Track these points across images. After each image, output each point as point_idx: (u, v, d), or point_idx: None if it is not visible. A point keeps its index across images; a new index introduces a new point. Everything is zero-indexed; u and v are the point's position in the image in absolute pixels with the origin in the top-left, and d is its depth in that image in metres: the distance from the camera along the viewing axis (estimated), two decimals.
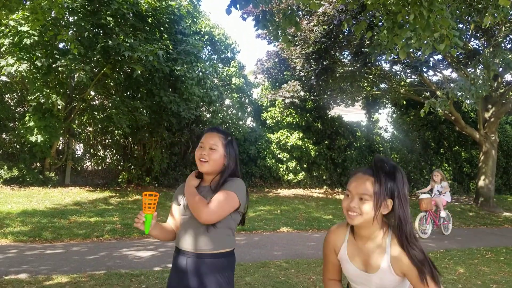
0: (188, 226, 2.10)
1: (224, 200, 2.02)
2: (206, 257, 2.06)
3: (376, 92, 16.09)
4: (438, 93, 9.78)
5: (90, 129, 13.48)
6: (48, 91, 10.21)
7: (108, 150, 14.06)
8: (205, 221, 1.99)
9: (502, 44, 11.67)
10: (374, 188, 1.69)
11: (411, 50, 11.10)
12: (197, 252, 2.06)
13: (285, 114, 15.57)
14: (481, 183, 13.90)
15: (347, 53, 14.21)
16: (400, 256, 1.73)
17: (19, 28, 9.54)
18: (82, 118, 12.99)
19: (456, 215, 12.05)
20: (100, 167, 13.80)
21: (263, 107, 16.30)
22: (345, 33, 12.22)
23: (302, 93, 14.26)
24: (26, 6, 7.62)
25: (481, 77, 9.86)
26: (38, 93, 10.06)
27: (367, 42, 11.18)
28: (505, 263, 6.74)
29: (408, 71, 13.90)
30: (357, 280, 1.86)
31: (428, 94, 14.64)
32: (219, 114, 13.69)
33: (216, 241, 2.08)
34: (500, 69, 11.63)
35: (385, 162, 1.75)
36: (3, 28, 9.76)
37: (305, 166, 15.73)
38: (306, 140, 15.54)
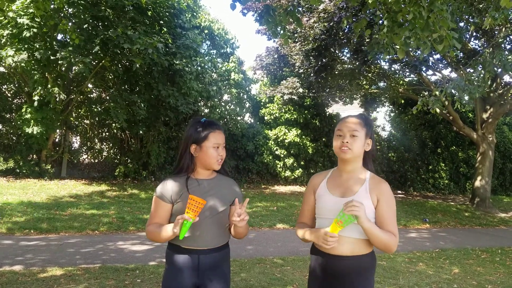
0: (199, 223, 2.05)
1: None
2: (212, 252, 2.11)
3: (375, 91, 16.07)
4: (436, 92, 9.77)
5: (87, 122, 13.45)
6: (49, 86, 10.16)
7: (105, 143, 14.04)
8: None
9: (502, 45, 11.66)
10: (363, 128, 2.11)
11: (410, 49, 11.09)
12: (203, 248, 2.09)
13: (283, 110, 15.55)
14: (477, 183, 13.92)
15: (346, 50, 14.18)
16: (379, 183, 2.09)
17: (18, 20, 9.47)
18: (80, 110, 12.95)
19: (452, 215, 12.08)
20: (96, 160, 13.78)
21: (262, 103, 16.26)
22: (345, 31, 12.18)
23: (300, 90, 14.24)
24: None
25: (476, 78, 9.86)
26: (39, 87, 10.02)
27: (367, 40, 11.15)
28: (500, 264, 6.76)
29: (407, 70, 13.88)
30: (329, 210, 2.06)
31: (426, 93, 14.64)
32: (217, 109, 13.66)
33: (221, 235, 2.17)
34: (499, 70, 11.62)
35: (364, 114, 2.24)
36: (2, 18, 9.69)
37: (302, 163, 15.73)
38: (304, 137, 15.53)
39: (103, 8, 10.28)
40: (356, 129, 2.08)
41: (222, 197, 2.16)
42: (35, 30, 9.64)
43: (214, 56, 15.07)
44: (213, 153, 2.14)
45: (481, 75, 10.04)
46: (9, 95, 12.43)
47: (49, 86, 10.21)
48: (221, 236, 2.17)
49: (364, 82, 15.42)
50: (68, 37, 10.53)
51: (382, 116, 20.24)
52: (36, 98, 10.24)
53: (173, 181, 2.18)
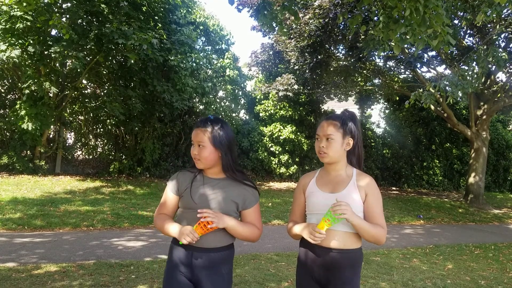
0: (195, 222, 2.04)
1: (259, 214, 2.26)
2: (207, 252, 2.08)
3: (370, 87, 16.11)
4: (430, 88, 9.81)
5: (82, 118, 13.36)
6: (41, 79, 10.07)
7: (99, 140, 13.96)
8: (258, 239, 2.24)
9: (496, 42, 11.70)
10: (338, 129, 2.14)
11: (406, 45, 11.08)
12: (198, 247, 2.07)
13: (278, 107, 15.55)
14: (471, 180, 14.00)
15: (341, 47, 14.19)
16: (366, 178, 2.14)
17: (12, 13, 9.37)
18: (74, 106, 12.86)
19: (446, 211, 12.15)
20: (91, 157, 13.70)
21: (257, 100, 16.26)
22: (340, 27, 12.18)
23: (296, 87, 14.24)
24: None
25: (469, 74, 9.90)
26: (30, 81, 9.92)
27: (362, 37, 11.16)
28: (493, 260, 6.81)
29: (402, 66, 13.91)
30: (320, 205, 2.10)
31: (421, 90, 14.70)
32: (212, 106, 13.62)
33: (221, 237, 2.12)
34: (493, 67, 11.67)
35: (347, 110, 2.28)
36: None
37: (297, 159, 15.75)
38: (298, 133, 15.54)
39: (97, 3, 10.18)
40: (331, 132, 2.14)
41: (226, 199, 2.12)
42: (28, 23, 9.54)
43: (209, 52, 15.03)
44: (192, 149, 2.14)
45: (475, 71, 10.09)
46: (2, 90, 12.33)
47: (41, 79, 10.12)
48: (222, 238, 2.12)
49: (359, 79, 15.45)
50: (61, 31, 10.43)
51: (377, 113, 20.31)
52: (26, 92, 10.14)
53: (184, 174, 2.20)
